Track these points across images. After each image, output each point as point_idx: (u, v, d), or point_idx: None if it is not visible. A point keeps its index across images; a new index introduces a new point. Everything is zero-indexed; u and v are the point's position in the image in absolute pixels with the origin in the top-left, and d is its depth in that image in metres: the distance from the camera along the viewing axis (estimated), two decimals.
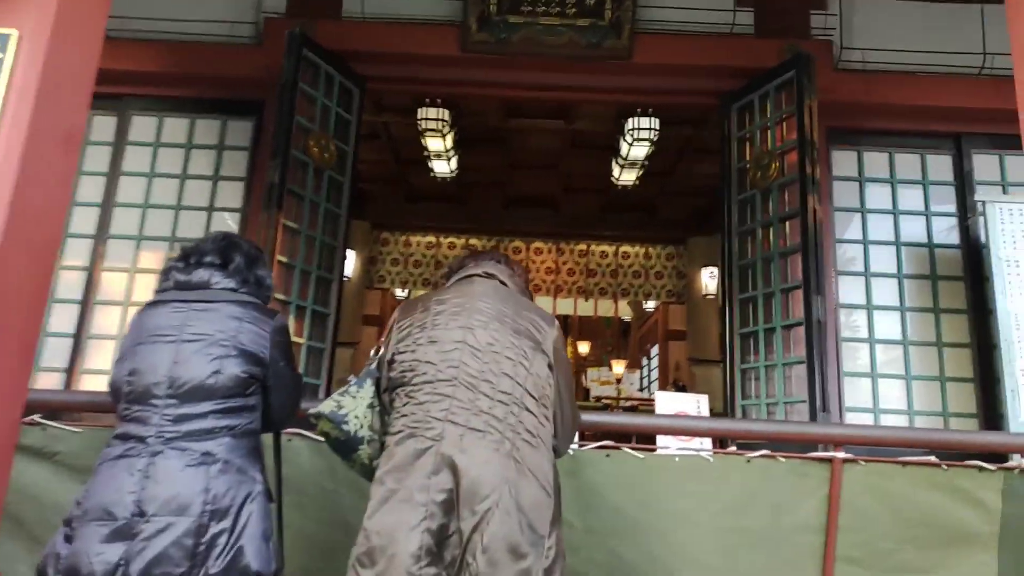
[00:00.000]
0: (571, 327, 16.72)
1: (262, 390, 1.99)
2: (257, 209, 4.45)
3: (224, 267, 2.06)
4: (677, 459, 2.73)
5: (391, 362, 1.87)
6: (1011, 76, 4.72)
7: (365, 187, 10.45)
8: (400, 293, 13.73)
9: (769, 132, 4.56)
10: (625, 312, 14.61)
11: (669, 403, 4.41)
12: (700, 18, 4.90)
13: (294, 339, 4.21)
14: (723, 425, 2.85)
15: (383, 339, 1.98)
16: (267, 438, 2.12)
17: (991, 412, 4.47)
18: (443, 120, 7.14)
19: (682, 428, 2.80)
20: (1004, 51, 4.75)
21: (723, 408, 4.63)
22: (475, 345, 1.79)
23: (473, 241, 11.15)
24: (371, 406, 1.92)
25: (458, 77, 5.05)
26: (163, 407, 1.85)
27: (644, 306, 12.99)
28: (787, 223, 4.37)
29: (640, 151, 7.89)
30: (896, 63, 4.85)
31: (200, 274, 2.03)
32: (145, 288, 4.57)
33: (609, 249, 11.18)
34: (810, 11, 4.94)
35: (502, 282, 2.00)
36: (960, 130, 4.88)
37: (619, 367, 13.51)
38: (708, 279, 10.66)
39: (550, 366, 1.85)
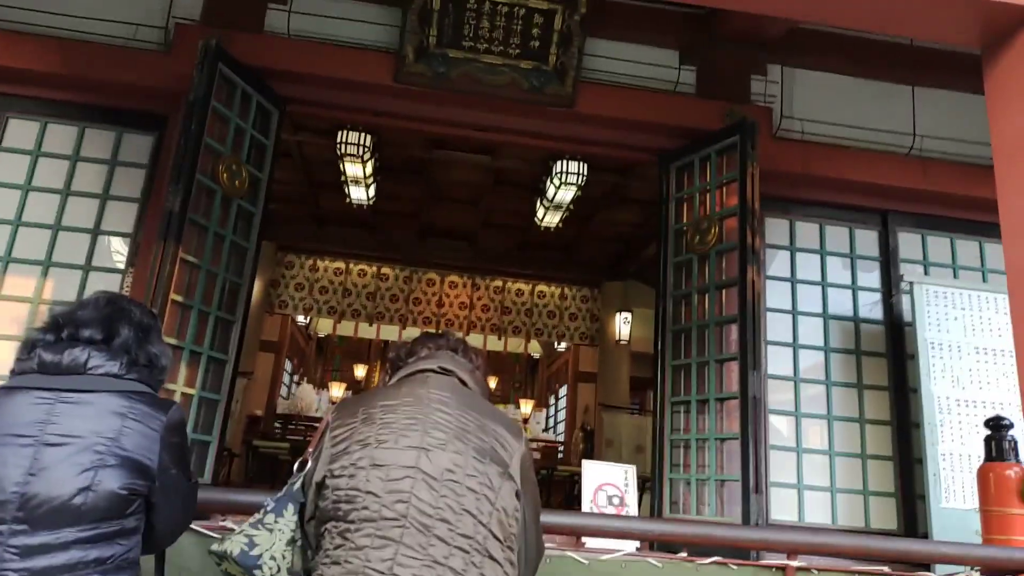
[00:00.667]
0: None
1: (146, 507, 1.55)
2: (150, 236, 3.92)
3: (107, 343, 1.61)
4: (623, 565, 2.48)
5: (322, 486, 1.47)
6: (938, 159, 4.90)
7: (272, 207, 9.81)
8: (302, 320, 13.05)
9: (709, 196, 4.45)
10: (535, 349, 14.45)
11: (595, 473, 4.15)
12: (645, 72, 4.78)
13: (184, 389, 3.70)
14: (676, 529, 2.61)
15: (312, 448, 1.59)
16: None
17: (908, 491, 4.47)
18: (364, 146, 6.75)
19: (633, 532, 2.53)
20: (934, 134, 4.87)
21: (651, 474, 4.43)
22: (430, 472, 1.44)
23: (385, 270, 10.70)
24: (292, 541, 1.52)
25: (387, 108, 4.70)
26: (8, 535, 1.39)
27: (556, 346, 12.87)
28: (724, 291, 4.24)
29: (567, 195, 7.73)
30: (831, 136, 4.87)
31: (74, 354, 1.56)
32: (8, 320, 3.93)
33: (525, 287, 11.00)
34: (751, 76, 4.91)
35: (462, 381, 1.67)
36: (888, 207, 4.95)
37: (527, 406, 13.28)
38: (622, 324, 10.64)
39: (517, 494, 1.53)
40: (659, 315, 4.50)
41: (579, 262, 10.77)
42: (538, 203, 8.24)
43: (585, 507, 4.08)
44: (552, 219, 8.44)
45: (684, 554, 2.56)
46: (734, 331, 4.14)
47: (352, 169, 7.17)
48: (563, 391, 13.51)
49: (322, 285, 10.48)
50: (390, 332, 11.10)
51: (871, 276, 4.94)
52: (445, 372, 1.67)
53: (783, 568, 2.55)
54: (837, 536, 3.06)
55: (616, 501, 4.14)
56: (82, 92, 4.36)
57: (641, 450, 10.07)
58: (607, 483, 4.20)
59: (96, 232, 4.18)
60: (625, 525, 2.47)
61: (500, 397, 15.72)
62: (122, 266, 4.13)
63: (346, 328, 11.54)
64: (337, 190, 8.10)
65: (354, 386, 15.12)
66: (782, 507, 4.39)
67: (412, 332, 11.35)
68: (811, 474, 4.50)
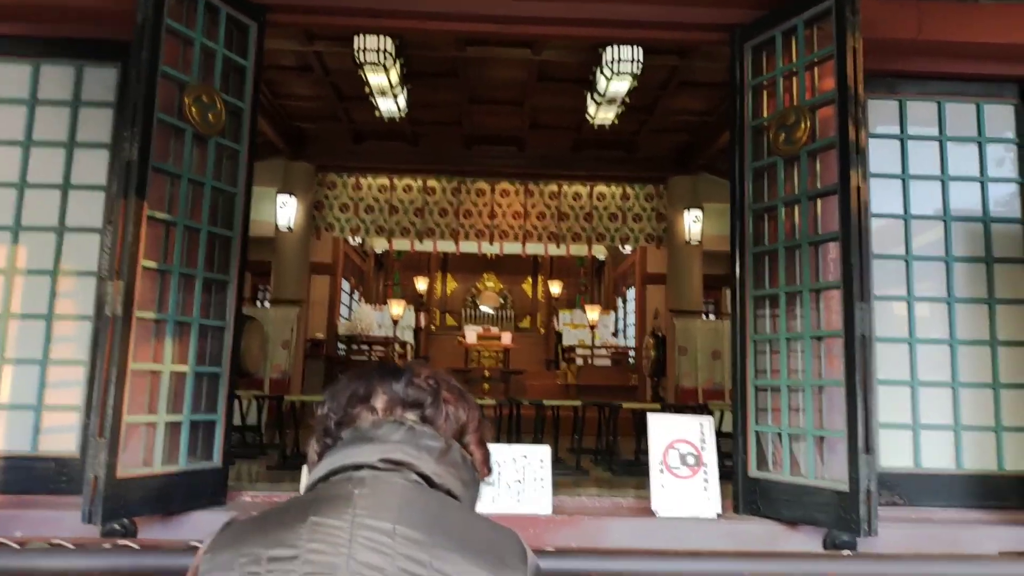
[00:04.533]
0: (541, 267, 15.79)
1: None
2: None
3: None
4: None
5: None
6: None
7: (304, 126, 9.19)
8: (355, 241, 12.62)
9: (796, 80, 3.51)
10: (600, 252, 13.68)
11: (665, 427, 3.50)
12: None
13: (174, 367, 3.19)
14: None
15: None
16: None
17: None
18: (385, 51, 5.93)
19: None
20: None
21: (732, 426, 3.75)
22: None
23: (432, 182, 10.00)
24: None
25: (391, 7, 3.87)
26: None
27: (622, 248, 12.07)
28: (819, 201, 3.38)
29: (621, 86, 6.77)
30: None
31: None
32: None
33: (583, 190, 10.14)
34: None
35: (423, 477, 1.01)
36: None
37: (593, 313, 12.68)
38: (691, 223, 9.73)
39: None
40: (736, 235, 3.68)
41: (641, 158, 9.79)
42: (589, 98, 7.28)
43: (654, 470, 3.46)
44: (606, 115, 7.50)
45: None
46: (833, 251, 3.30)
47: (375, 79, 6.39)
48: (631, 294, 12.81)
49: (367, 204, 9.90)
50: (447, 244, 10.53)
51: (1006, 163, 3.94)
52: (394, 467, 1.00)
53: None
54: None
55: (691, 460, 3.50)
56: (34, 21, 3.69)
57: (718, 356, 9.38)
58: (679, 439, 3.54)
59: (66, 187, 3.61)
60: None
61: (565, 302, 15.16)
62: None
63: (403, 243, 11.03)
64: (370, 103, 7.35)
65: (415, 300, 14.84)
66: (893, 452, 3.65)
67: (466, 246, 10.77)
68: (929, 411, 3.73)
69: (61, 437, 3.47)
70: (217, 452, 3.35)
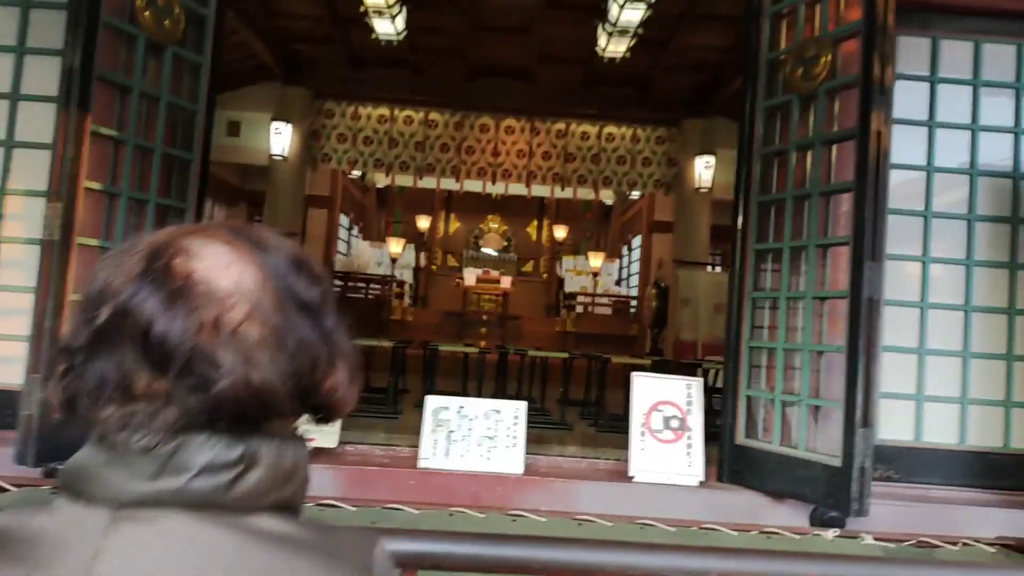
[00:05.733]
0: (547, 210, 15.43)
1: None
2: None
3: None
4: None
5: None
6: None
7: (300, 48, 8.75)
8: (353, 174, 12.25)
9: (820, 8, 3.15)
10: (607, 196, 13.30)
11: (648, 388, 3.27)
12: None
13: None
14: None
15: None
16: None
17: None
18: None
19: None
20: None
21: (723, 388, 3.52)
22: None
23: (434, 116, 9.60)
24: None
25: None
26: None
27: (629, 194, 11.69)
28: (834, 148, 3.06)
29: (633, 15, 6.35)
30: None
31: None
32: None
33: (591, 129, 9.72)
34: None
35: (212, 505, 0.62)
36: None
37: (596, 260, 12.39)
38: (703, 169, 9.34)
39: None
40: (741, 181, 3.37)
41: (654, 98, 9.34)
42: (600, 28, 6.84)
43: (634, 432, 3.25)
44: (617, 47, 7.06)
45: None
46: (845, 203, 3.01)
47: None
48: (637, 241, 12.49)
49: (366, 135, 9.53)
50: (449, 181, 10.18)
51: None
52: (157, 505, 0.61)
53: None
54: None
55: (675, 424, 3.27)
56: None
57: (721, 309, 9.09)
58: (664, 401, 3.32)
59: (15, 97, 3.32)
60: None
61: (569, 247, 14.85)
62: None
63: (404, 178, 10.69)
64: (368, 25, 6.92)
65: (417, 239, 14.56)
66: (893, 423, 3.41)
67: (469, 185, 10.42)
68: (935, 382, 3.48)
69: (8, 368, 3.26)
70: None
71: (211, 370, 0.60)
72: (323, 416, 0.72)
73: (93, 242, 2.82)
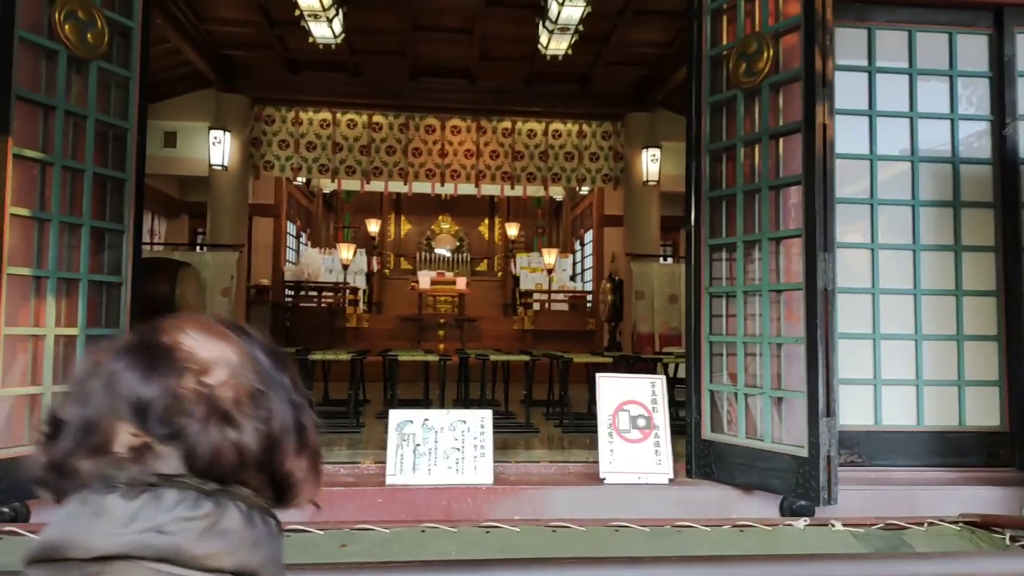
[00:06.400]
0: (498, 208, 15.36)
1: None
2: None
3: None
4: None
5: None
6: None
7: (235, 54, 8.49)
8: (298, 181, 11.98)
9: (759, 3, 3.16)
10: (557, 192, 13.31)
11: (614, 388, 3.25)
12: None
13: (61, 331, 2.80)
14: None
15: None
16: None
17: (1017, 378, 3.52)
18: None
19: None
20: None
21: (685, 385, 3.52)
22: None
23: (377, 118, 9.44)
24: None
25: None
26: None
27: (578, 189, 11.71)
28: (781, 141, 3.08)
29: (574, 12, 6.33)
30: None
31: None
32: None
33: (537, 127, 9.69)
34: None
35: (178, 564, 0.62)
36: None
37: (550, 256, 12.38)
38: (649, 162, 9.40)
39: None
40: (691, 177, 3.37)
41: (597, 93, 9.35)
42: (541, 26, 6.81)
43: (602, 434, 3.22)
44: (559, 44, 7.03)
45: None
46: (795, 196, 3.03)
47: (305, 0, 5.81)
48: (589, 236, 12.53)
49: (308, 140, 9.32)
50: (397, 184, 10.02)
51: (977, 100, 3.69)
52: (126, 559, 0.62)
53: None
54: None
55: (642, 423, 3.25)
56: None
57: (675, 300, 9.20)
58: (630, 400, 3.30)
59: None
60: None
61: (522, 244, 14.82)
62: None
63: (351, 183, 10.49)
64: (303, 28, 6.74)
65: (368, 243, 14.33)
66: (853, 409, 3.47)
67: (418, 187, 10.30)
68: (890, 366, 3.55)
69: None
70: None
71: (186, 422, 0.64)
72: (278, 496, 0.71)
73: (25, 271, 2.66)
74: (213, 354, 0.68)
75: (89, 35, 2.85)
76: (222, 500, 0.65)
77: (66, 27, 2.77)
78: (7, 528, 2.59)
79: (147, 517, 0.62)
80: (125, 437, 0.64)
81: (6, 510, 2.70)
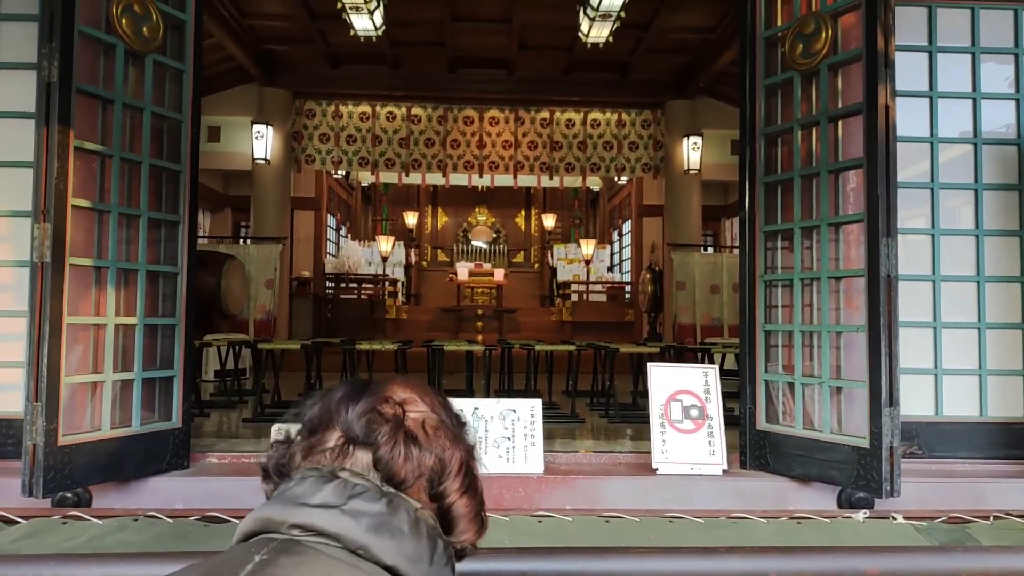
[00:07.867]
0: (535, 199, 15.33)
1: None
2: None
3: None
4: None
5: None
6: None
7: (277, 49, 8.59)
8: (338, 174, 12.08)
9: None
10: (594, 182, 13.22)
11: (666, 378, 3.21)
12: None
13: (120, 320, 2.85)
14: None
15: None
16: None
17: None
18: None
19: None
20: None
21: (739, 374, 3.46)
22: None
23: (416, 110, 9.48)
24: None
25: None
26: None
27: (616, 179, 11.61)
28: (840, 123, 3.00)
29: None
30: None
31: None
32: None
33: (576, 116, 9.63)
34: None
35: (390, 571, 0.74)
36: None
37: (588, 247, 12.31)
38: (690, 150, 9.28)
39: None
40: (745, 163, 3.30)
41: (637, 81, 9.25)
42: (581, 13, 6.74)
43: (654, 424, 3.18)
44: (600, 32, 6.96)
45: None
46: (853, 180, 2.95)
47: None
48: (627, 226, 12.43)
49: (348, 134, 9.39)
50: (436, 176, 10.06)
51: None
52: (315, 534, 0.73)
53: None
54: None
55: (695, 413, 3.21)
56: None
57: (716, 290, 9.09)
58: (682, 390, 3.25)
59: None
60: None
61: (559, 235, 14.77)
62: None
63: (389, 175, 10.57)
64: (345, 22, 6.78)
65: (405, 236, 14.41)
66: (913, 399, 3.36)
67: (455, 178, 10.31)
68: (952, 355, 3.44)
69: (6, 396, 3.15)
70: (176, 411, 3.05)
71: (380, 431, 0.80)
72: (443, 528, 0.82)
73: (86, 262, 2.71)
74: (410, 395, 0.86)
75: (145, 29, 2.89)
76: (395, 501, 0.77)
77: (123, 21, 2.81)
78: (71, 512, 2.66)
79: (333, 500, 0.74)
80: (333, 440, 0.81)
81: (69, 495, 2.76)
